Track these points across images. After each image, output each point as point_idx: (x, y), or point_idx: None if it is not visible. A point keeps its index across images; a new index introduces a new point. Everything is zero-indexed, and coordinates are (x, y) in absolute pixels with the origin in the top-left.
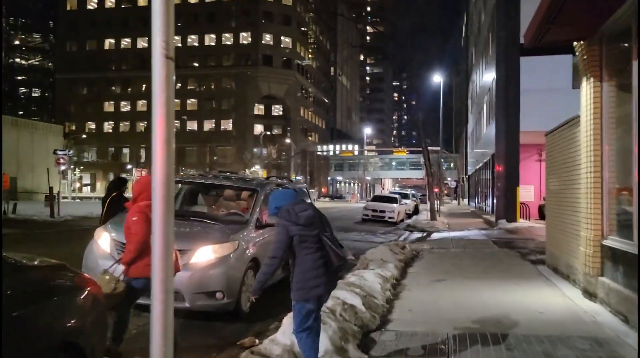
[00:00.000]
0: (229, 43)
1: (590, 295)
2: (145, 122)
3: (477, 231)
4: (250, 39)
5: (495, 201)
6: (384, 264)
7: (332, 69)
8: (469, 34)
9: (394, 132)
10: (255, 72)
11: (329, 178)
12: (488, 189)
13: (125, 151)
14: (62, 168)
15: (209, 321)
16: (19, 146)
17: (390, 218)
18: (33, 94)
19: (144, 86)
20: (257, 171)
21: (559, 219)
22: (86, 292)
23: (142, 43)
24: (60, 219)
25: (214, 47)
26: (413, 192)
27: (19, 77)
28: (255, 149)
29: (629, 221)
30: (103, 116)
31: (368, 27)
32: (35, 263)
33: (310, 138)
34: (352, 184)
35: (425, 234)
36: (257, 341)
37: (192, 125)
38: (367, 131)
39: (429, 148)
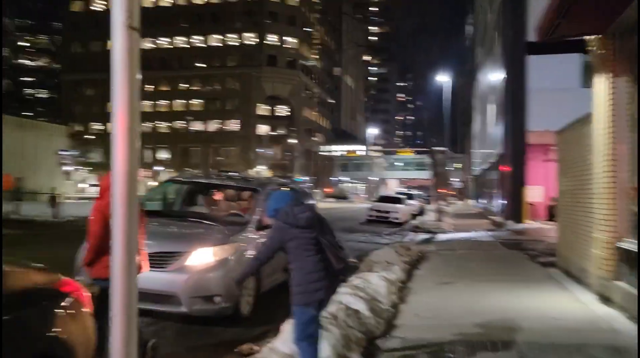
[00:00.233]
0: (233, 44)
1: (605, 299)
2: (150, 123)
3: (484, 232)
4: (255, 40)
5: (502, 201)
6: (389, 266)
7: (336, 69)
8: (475, 34)
9: (399, 132)
10: (259, 72)
11: (333, 179)
12: (495, 189)
13: None
14: (66, 168)
15: (207, 325)
16: (24, 147)
17: (395, 218)
18: (39, 95)
19: (150, 87)
20: (262, 171)
21: (571, 221)
22: (68, 298)
23: (146, 44)
24: (62, 220)
25: (218, 48)
26: (419, 193)
27: (25, 79)
28: (259, 150)
29: None
30: (108, 116)
31: (373, 28)
32: (7, 268)
33: (314, 138)
34: (357, 185)
35: (431, 235)
36: (255, 348)
37: (197, 125)
38: (372, 131)
39: (435, 148)
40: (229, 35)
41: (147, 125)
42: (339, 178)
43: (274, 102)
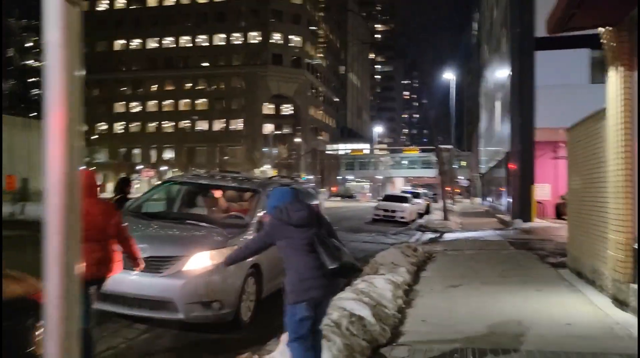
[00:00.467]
0: (238, 42)
1: (620, 303)
2: (156, 123)
3: (492, 232)
4: (259, 38)
5: (510, 200)
6: (395, 268)
7: (342, 67)
8: (481, 31)
9: (405, 130)
10: (265, 71)
11: (339, 177)
12: (502, 187)
13: (136, 151)
14: None
15: (206, 333)
16: (30, 148)
17: (401, 218)
18: None
19: (155, 86)
20: (267, 170)
21: (582, 220)
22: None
23: (152, 44)
24: None
25: (223, 47)
26: (425, 191)
27: (32, 79)
28: (265, 149)
29: None
30: (114, 117)
31: (378, 26)
32: None
33: (320, 137)
34: (363, 184)
35: (438, 234)
36: (255, 357)
37: (202, 125)
38: (378, 129)
39: (441, 146)
40: (233, 34)
41: (153, 125)
42: (345, 176)
43: (279, 101)
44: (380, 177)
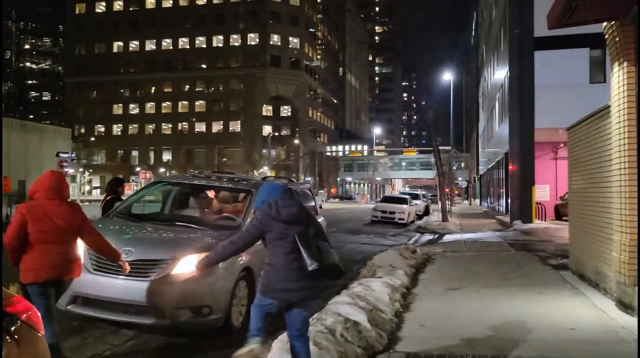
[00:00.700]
0: (236, 44)
1: (625, 306)
2: (154, 125)
3: (491, 233)
4: (258, 40)
5: (509, 201)
6: (393, 271)
7: (340, 69)
8: (479, 31)
9: (404, 132)
10: (263, 73)
11: (338, 179)
12: (501, 189)
13: (134, 153)
14: (66, 170)
15: (195, 339)
16: (27, 150)
17: (400, 219)
18: (44, 98)
19: (153, 88)
20: (266, 172)
21: (585, 221)
22: (16, 320)
23: (150, 46)
24: None
25: (221, 49)
26: (423, 192)
27: (30, 82)
28: (263, 151)
29: None
30: (112, 118)
31: (377, 27)
32: None
33: (319, 139)
34: (361, 185)
35: (436, 236)
36: None
37: (201, 127)
38: (377, 131)
39: (440, 147)
40: (232, 36)
41: (151, 126)
42: (344, 178)
43: (277, 103)
44: (379, 178)
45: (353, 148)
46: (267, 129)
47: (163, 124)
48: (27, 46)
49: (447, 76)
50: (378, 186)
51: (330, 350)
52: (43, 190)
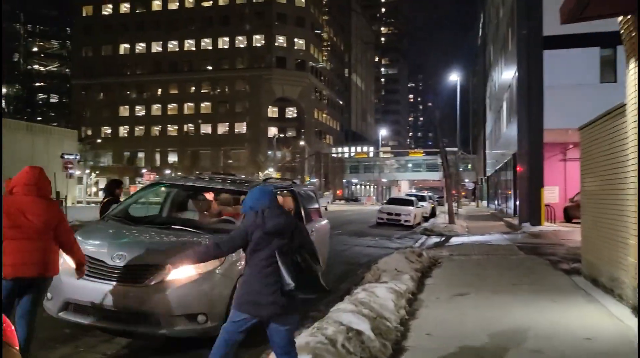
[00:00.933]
0: (242, 46)
1: None
2: (160, 126)
3: (500, 236)
4: (263, 42)
5: (517, 203)
6: (399, 275)
7: (346, 70)
8: (487, 32)
9: (410, 133)
10: (269, 74)
11: (344, 180)
12: (509, 190)
13: (141, 155)
14: (70, 171)
15: (190, 348)
16: (34, 152)
17: (406, 221)
18: (51, 100)
19: (159, 90)
20: (271, 173)
21: (598, 224)
22: None
23: (156, 47)
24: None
25: (227, 50)
26: (430, 194)
27: (38, 84)
28: (269, 152)
29: None
30: (118, 120)
31: (382, 28)
32: None
33: (324, 140)
34: (367, 187)
35: (443, 238)
36: None
37: (206, 128)
38: (383, 132)
39: (446, 148)
40: (238, 37)
41: (157, 128)
42: (350, 179)
43: (283, 104)
44: (385, 180)
45: (359, 149)
46: (272, 131)
47: (169, 125)
48: (35, 49)
49: (454, 77)
50: (384, 187)
51: None
52: (20, 186)
